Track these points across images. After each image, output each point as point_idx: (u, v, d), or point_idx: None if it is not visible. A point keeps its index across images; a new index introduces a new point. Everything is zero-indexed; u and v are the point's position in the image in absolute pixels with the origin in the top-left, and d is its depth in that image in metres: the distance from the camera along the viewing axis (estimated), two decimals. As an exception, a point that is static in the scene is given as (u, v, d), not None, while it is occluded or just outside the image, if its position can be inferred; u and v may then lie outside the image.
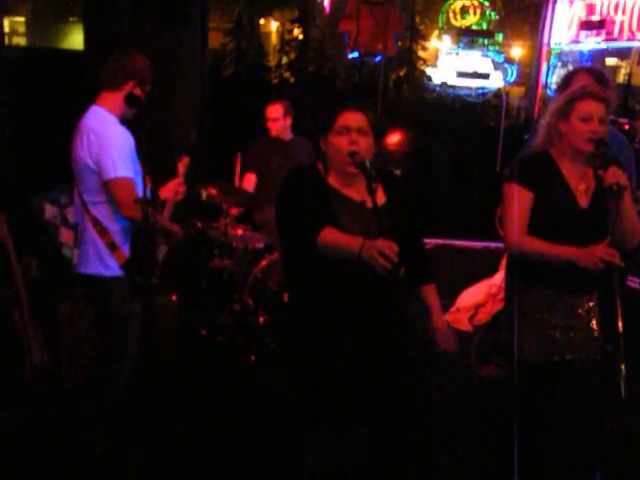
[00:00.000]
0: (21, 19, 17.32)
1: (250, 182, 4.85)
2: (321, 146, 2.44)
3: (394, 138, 6.49)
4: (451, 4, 7.94)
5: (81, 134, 2.86)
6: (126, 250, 2.91)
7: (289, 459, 2.68)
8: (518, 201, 2.59)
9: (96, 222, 2.86)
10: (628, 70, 13.74)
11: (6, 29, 16.68)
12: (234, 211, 4.84)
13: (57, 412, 3.43)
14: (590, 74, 3.32)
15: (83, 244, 2.93)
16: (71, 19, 16.02)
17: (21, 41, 16.93)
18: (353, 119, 2.36)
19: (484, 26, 7.75)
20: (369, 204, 2.29)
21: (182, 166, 3.22)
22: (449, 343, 2.59)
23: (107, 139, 2.79)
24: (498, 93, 7.50)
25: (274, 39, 16.44)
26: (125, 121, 2.96)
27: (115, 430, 3.08)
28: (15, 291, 3.58)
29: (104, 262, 2.88)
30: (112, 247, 2.86)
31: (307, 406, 2.49)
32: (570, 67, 6.61)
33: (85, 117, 2.90)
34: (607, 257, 2.41)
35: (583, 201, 2.61)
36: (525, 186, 2.59)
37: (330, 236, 2.27)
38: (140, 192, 2.87)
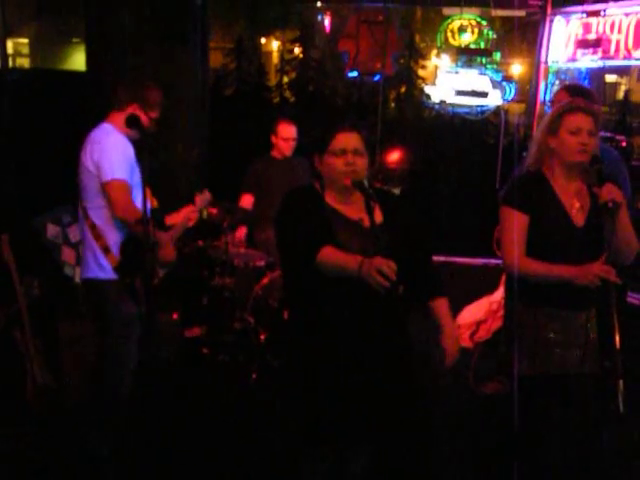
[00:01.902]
0: (25, 40, 17.46)
1: (247, 203, 4.86)
2: (316, 164, 2.46)
3: (394, 156, 6.52)
4: (449, 23, 8.02)
5: (86, 144, 3.03)
6: (117, 253, 3.02)
7: (289, 476, 2.68)
8: (514, 224, 2.61)
9: (93, 227, 3.01)
10: (627, 87, 13.81)
11: (10, 51, 16.80)
12: (241, 233, 4.86)
13: (59, 431, 3.44)
14: (567, 91, 3.40)
15: (84, 250, 3.08)
16: (74, 40, 16.16)
17: (25, 62, 17.06)
18: (349, 141, 2.37)
19: (482, 45, 7.82)
20: (366, 222, 2.31)
21: (200, 200, 3.36)
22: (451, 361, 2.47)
23: (106, 145, 2.96)
24: (497, 111, 7.55)
25: (275, 58, 16.55)
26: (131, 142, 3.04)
27: (116, 449, 3.08)
28: (17, 310, 3.60)
29: (100, 265, 3.01)
30: (106, 250, 2.99)
31: (308, 424, 2.49)
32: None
33: (92, 131, 3.07)
34: (604, 274, 2.42)
35: (578, 220, 2.63)
36: (520, 209, 2.61)
37: (329, 255, 2.29)
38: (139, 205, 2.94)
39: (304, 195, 2.49)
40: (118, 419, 3.10)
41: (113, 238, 3.01)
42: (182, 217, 3.27)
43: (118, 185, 2.92)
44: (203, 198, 3.40)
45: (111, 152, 2.94)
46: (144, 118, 3.02)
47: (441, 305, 2.51)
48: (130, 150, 3.01)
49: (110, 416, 3.10)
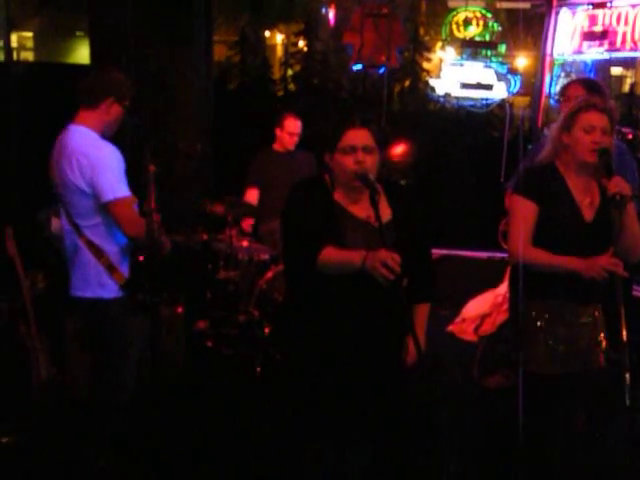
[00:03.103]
0: (29, 34, 17.47)
1: (252, 197, 4.86)
2: (327, 161, 2.42)
3: (398, 149, 6.50)
4: (454, 16, 8.00)
5: (68, 157, 2.77)
6: (125, 269, 2.87)
7: (292, 470, 2.68)
8: (523, 213, 2.60)
9: (91, 245, 2.81)
10: (633, 80, 13.74)
11: (14, 44, 16.79)
12: (246, 225, 4.86)
13: (63, 425, 3.45)
14: (582, 85, 3.39)
15: (79, 267, 2.87)
16: (78, 34, 16.17)
17: (29, 56, 17.07)
18: (358, 138, 2.33)
19: (487, 37, 7.79)
20: (374, 221, 2.28)
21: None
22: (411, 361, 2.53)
23: (100, 161, 2.73)
24: (502, 104, 7.53)
25: (279, 51, 16.53)
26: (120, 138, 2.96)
27: (120, 442, 3.09)
28: (22, 304, 3.61)
29: (103, 284, 2.84)
30: (110, 268, 2.82)
31: (308, 419, 2.49)
32: (573, 77, 6.63)
33: (68, 138, 2.82)
34: (611, 267, 2.41)
35: (588, 215, 2.62)
36: (530, 198, 2.61)
37: (331, 255, 2.27)
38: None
39: (312, 190, 2.45)
40: (119, 420, 3.06)
41: (116, 255, 2.84)
42: None
43: (123, 203, 2.73)
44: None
45: (107, 168, 2.72)
46: (119, 109, 2.86)
47: (421, 311, 2.56)
48: (119, 155, 2.81)
49: (110, 419, 3.05)
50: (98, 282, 2.84)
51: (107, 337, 2.96)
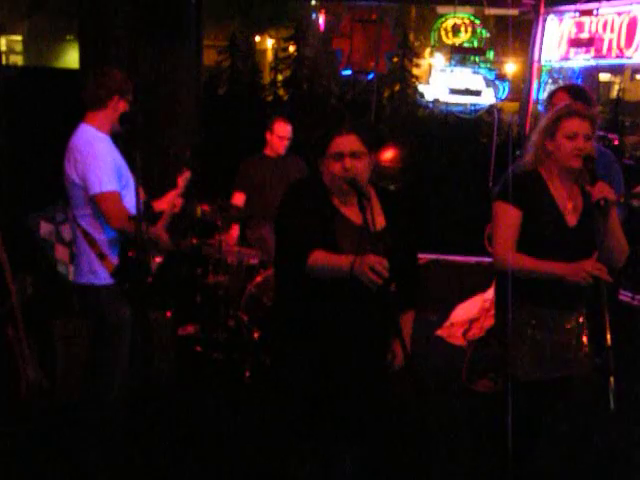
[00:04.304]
0: (18, 38, 17.44)
1: (239, 201, 4.85)
2: (319, 167, 2.42)
3: (388, 154, 6.53)
4: (443, 22, 8.08)
5: (69, 152, 2.98)
6: (114, 259, 3.00)
7: (279, 474, 2.68)
8: (507, 219, 2.62)
9: (86, 234, 2.98)
10: (621, 86, 13.87)
11: (3, 48, 16.78)
12: (234, 233, 4.85)
13: (52, 429, 3.44)
14: (568, 92, 3.41)
15: (77, 256, 3.05)
16: (68, 38, 16.14)
17: (18, 60, 17.03)
18: (346, 144, 2.33)
19: (475, 43, 7.87)
20: (370, 227, 2.27)
21: (182, 180, 3.26)
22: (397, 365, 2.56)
23: (90, 155, 2.90)
24: (490, 109, 7.59)
25: (269, 56, 16.58)
26: (119, 138, 3.02)
27: (110, 446, 3.08)
28: (10, 308, 3.59)
29: (95, 272, 2.99)
30: (101, 256, 2.97)
31: (297, 422, 2.50)
32: (561, 83, 6.69)
33: (74, 135, 3.00)
34: (595, 272, 2.43)
35: (571, 220, 2.64)
36: (514, 204, 2.62)
37: (320, 259, 2.28)
38: (129, 205, 2.92)
39: (309, 191, 2.45)
40: (110, 421, 3.07)
41: (106, 244, 2.98)
42: (167, 205, 3.20)
43: (108, 197, 2.87)
44: (185, 177, 3.28)
45: (96, 163, 2.88)
46: (126, 106, 3.02)
47: (407, 319, 2.57)
48: (114, 153, 2.97)
49: (101, 419, 3.07)
50: (90, 269, 3.00)
51: (98, 323, 3.06)
